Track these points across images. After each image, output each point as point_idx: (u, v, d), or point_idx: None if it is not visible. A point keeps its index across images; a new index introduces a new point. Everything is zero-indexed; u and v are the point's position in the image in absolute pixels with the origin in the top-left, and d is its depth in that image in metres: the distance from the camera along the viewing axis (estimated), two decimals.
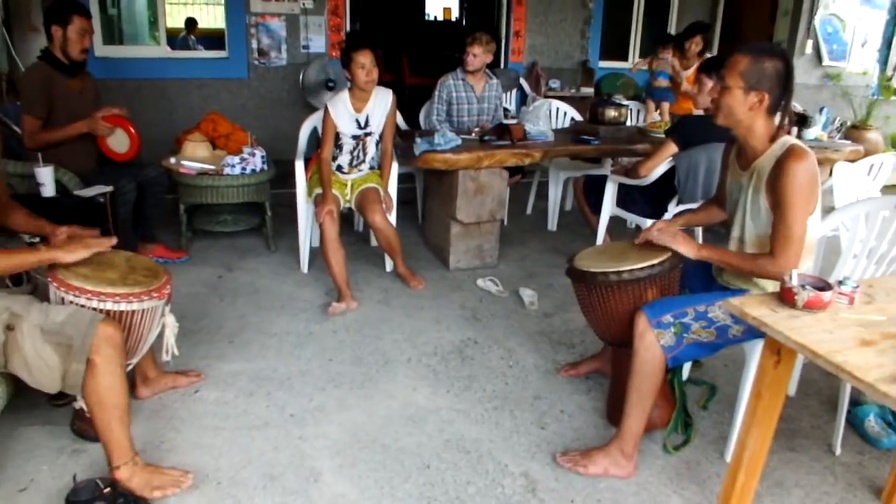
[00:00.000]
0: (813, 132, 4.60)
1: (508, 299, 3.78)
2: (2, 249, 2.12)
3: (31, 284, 2.27)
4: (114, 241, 2.26)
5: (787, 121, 4.55)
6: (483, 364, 3.06)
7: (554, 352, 3.19)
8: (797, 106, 4.90)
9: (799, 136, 4.46)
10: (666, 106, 5.81)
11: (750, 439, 1.73)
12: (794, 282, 1.62)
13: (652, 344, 2.21)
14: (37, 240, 2.51)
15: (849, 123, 6.47)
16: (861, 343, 1.45)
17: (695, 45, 5.19)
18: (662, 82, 5.87)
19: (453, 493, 2.21)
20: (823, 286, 1.63)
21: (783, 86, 2.13)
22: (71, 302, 2.06)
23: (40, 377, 2.00)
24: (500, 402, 2.76)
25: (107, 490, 2.03)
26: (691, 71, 5.01)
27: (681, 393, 2.58)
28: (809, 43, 7.02)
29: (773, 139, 2.18)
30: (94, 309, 2.06)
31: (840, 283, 1.68)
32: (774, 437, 2.50)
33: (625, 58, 8.14)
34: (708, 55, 5.16)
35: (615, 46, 8.06)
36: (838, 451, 2.49)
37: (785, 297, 1.63)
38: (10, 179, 3.20)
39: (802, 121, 4.60)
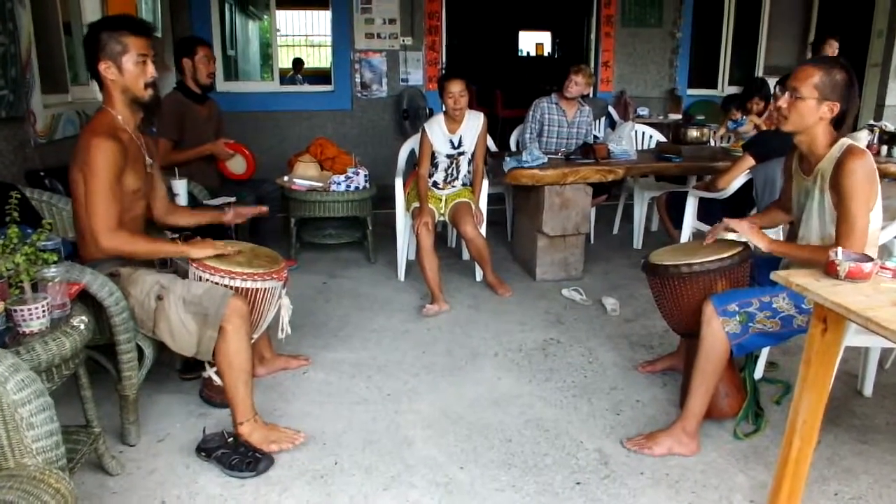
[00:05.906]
0: None
1: (591, 307, 3.97)
2: (149, 238, 2.56)
3: (173, 267, 2.68)
4: (235, 246, 2.65)
5: (875, 139, 4.56)
6: (564, 360, 3.27)
7: (632, 351, 3.37)
8: (888, 125, 4.90)
9: (889, 155, 4.49)
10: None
11: (802, 404, 1.87)
12: (839, 257, 1.78)
13: (717, 330, 2.38)
14: (176, 235, 2.95)
15: None
16: (894, 304, 1.60)
17: (756, 105, 5.20)
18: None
19: (531, 462, 2.44)
20: (866, 261, 1.79)
21: (849, 96, 2.28)
22: (207, 280, 2.44)
23: (181, 341, 2.38)
24: (578, 392, 2.96)
25: (230, 440, 2.38)
26: (749, 123, 5.04)
27: (752, 386, 2.72)
28: None
29: (832, 143, 2.34)
30: (225, 286, 2.43)
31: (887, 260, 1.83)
32: (847, 431, 2.63)
33: (714, 86, 8.25)
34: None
35: (704, 74, 8.18)
36: None
37: (828, 270, 1.78)
38: None
39: (893, 139, 4.61)
